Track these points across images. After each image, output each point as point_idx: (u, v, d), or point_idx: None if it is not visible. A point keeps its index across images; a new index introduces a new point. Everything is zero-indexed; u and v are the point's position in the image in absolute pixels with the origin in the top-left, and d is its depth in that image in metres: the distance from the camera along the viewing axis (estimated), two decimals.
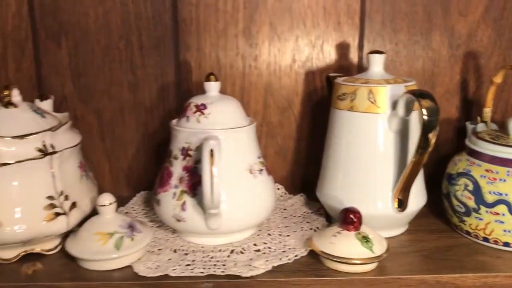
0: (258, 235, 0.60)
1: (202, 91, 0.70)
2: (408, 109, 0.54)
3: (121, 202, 0.67)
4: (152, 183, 0.73)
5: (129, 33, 0.68)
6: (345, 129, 0.58)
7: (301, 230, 0.61)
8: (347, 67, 0.71)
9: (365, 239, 0.52)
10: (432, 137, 0.52)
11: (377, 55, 0.59)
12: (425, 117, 0.51)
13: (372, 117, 0.56)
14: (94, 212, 0.57)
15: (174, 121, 0.59)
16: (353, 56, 0.71)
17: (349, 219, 0.52)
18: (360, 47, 0.70)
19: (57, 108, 0.66)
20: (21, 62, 0.69)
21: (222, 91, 0.69)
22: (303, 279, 0.51)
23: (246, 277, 0.51)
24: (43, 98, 0.63)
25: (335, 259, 0.51)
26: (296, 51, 0.70)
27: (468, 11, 0.70)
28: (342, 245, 0.52)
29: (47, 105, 0.63)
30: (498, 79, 0.63)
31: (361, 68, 0.71)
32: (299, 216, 0.66)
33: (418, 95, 0.51)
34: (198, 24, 0.69)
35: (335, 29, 0.69)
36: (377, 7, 0.69)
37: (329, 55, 0.70)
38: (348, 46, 0.70)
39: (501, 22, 0.70)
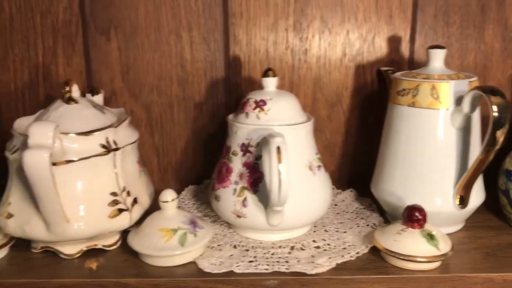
0: (314, 231, 0.60)
1: (250, 85, 0.71)
2: (473, 106, 0.53)
3: None
4: (200, 177, 0.74)
5: (179, 28, 0.68)
6: (405, 124, 0.57)
7: (357, 226, 0.61)
8: (398, 61, 0.70)
9: (431, 237, 0.52)
10: (501, 134, 0.51)
11: (438, 50, 0.58)
12: (495, 114, 0.50)
13: (434, 113, 0.55)
14: (151, 208, 0.57)
15: (231, 117, 0.59)
16: (405, 49, 0.70)
17: (415, 216, 0.52)
18: (412, 40, 0.69)
19: (106, 103, 0.66)
20: (71, 56, 0.69)
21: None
22: (368, 277, 0.51)
23: (312, 275, 0.50)
24: (94, 92, 0.64)
25: (401, 257, 0.51)
26: (347, 45, 0.69)
27: None
28: (407, 242, 0.51)
29: (98, 99, 0.63)
30: None
31: (412, 62, 0.70)
32: (352, 212, 0.65)
33: (488, 91, 0.50)
34: (249, 18, 0.68)
35: (387, 22, 0.69)
36: (430, 0, 0.68)
37: (380, 49, 0.69)
38: (399, 40, 0.69)
39: None
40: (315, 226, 0.61)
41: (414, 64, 0.70)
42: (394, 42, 0.69)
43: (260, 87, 0.70)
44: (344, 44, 0.69)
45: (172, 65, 0.69)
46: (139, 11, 0.67)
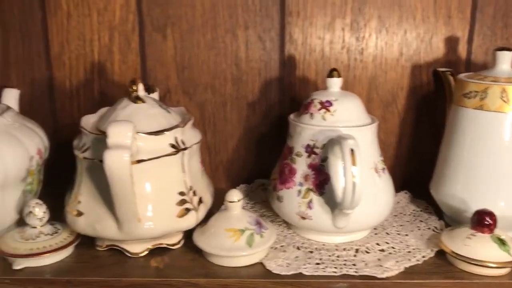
0: (375, 234, 0.59)
1: (305, 85, 0.70)
2: None
3: (220, 194, 0.67)
4: (251, 176, 0.74)
5: (236, 27, 0.68)
6: (471, 127, 0.56)
7: (418, 229, 0.61)
8: (455, 62, 0.69)
9: (502, 242, 0.51)
10: None
11: (506, 52, 0.57)
12: None
13: (503, 117, 0.54)
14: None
15: (293, 117, 0.59)
16: (462, 51, 0.69)
17: (485, 221, 0.51)
18: (470, 41, 0.68)
19: (160, 101, 0.66)
20: (127, 54, 0.69)
21: (325, 85, 0.69)
22: (439, 281, 0.50)
23: (381, 278, 0.50)
24: (150, 90, 0.64)
25: (471, 262, 0.50)
26: (404, 45, 0.68)
27: None
28: (478, 247, 0.51)
29: (153, 97, 0.63)
30: None
31: (469, 63, 0.69)
32: (409, 215, 0.65)
33: None
34: (305, 16, 0.68)
35: (445, 23, 0.68)
36: (489, 0, 0.67)
37: (437, 49, 0.69)
38: (457, 41, 0.68)
39: None
40: (375, 229, 0.60)
41: (471, 66, 0.69)
42: (451, 42, 0.68)
43: (315, 86, 0.70)
44: (401, 44, 0.68)
45: (227, 64, 0.69)
46: (196, 9, 0.67)
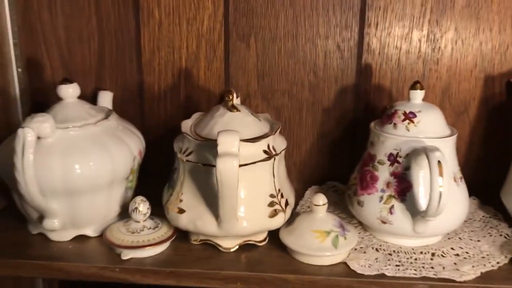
0: (449, 238, 0.63)
1: (380, 92, 0.74)
2: None
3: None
4: (324, 178, 0.78)
5: (315, 37, 0.71)
6: None
7: (490, 235, 0.63)
8: None
9: None
10: None
11: None
12: None
13: None
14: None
15: (375, 126, 0.62)
16: None
17: None
18: None
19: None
20: (212, 61, 0.74)
21: (400, 92, 0.72)
22: None
23: (460, 282, 0.54)
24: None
25: None
26: (478, 56, 0.71)
27: None
28: None
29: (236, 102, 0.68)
30: None
31: None
32: (479, 221, 0.68)
33: None
34: (384, 28, 0.71)
35: None
36: None
37: (510, 61, 0.70)
38: None
39: None
40: (448, 233, 0.64)
41: None
42: None
43: (389, 94, 0.73)
44: (475, 56, 0.71)
45: (305, 71, 0.73)
46: (279, 20, 0.71)
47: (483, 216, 0.69)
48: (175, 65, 0.74)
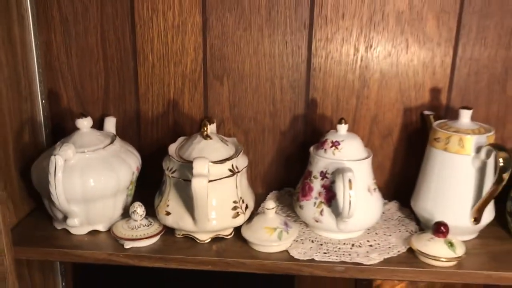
0: (368, 233, 0.84)
1: (323, 120, 0.95)
2: (488, 155, 0.76)
3: (258, 197, 0.92)
4: (281, 185, 0.99)
5: (273, 77, 0.92)
6: (439, 163, 0.80)
7: (399, 231, 0.85)
8: (437, 106, 0.92)
9: (451, 244, 0.75)
10: (506, 176, 0.73)
11: (466, 110, 0.80)
12: (501, 164, 0.72)
13: (460, 158, 0.78)
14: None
15: (313, 150, 0.83)
16: (443, 99, 0.91)
17: (441, 230, 0.75)
18: (449, 91, 0.91)
19: (219, 129, 0.92)
20: (194, 94, 0.94)
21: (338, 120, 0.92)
22: (406, 269, 0.75)
23: (367, 265, 0.75)
24: (210, 121, 0.89)
25: (429, 257, 0.74)
26: (399, 93, 0.92)
27: None
28: (434, 247, 0.75)
29: (213, 127, 0.89)
30: None
31: (448, 109, 0.91)
32: (395, 220, 0.89)
33: (497, 148, 0.73)
34: (325, 71, 0.91)
35: (430, 78, 0.90)
36: (466, 62, 0.89)
37: (425, 97, 0.91)
38: (440, 91, 0.91)
39: None
40: (368, 229, 0.85)
41: (448, 112, 0.91)
42: (435, 92, 0.91)
43: (330, 121, 0.94)
44: (396, 92, 0.92)
45: (267, 103, 0.94)
46: (245, 64, 0.92)
47: (399, 216, 0.90)
48: (165, 97, 0.95)
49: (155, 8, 0.89)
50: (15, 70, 0.84)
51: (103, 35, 0.92)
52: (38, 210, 0.89)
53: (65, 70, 0.94)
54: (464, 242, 0.79)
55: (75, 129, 0.83)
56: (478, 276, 0.75)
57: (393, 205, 0.94)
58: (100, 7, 0.90)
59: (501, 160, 0.72)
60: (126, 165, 0.81)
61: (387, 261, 0.76)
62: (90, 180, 0.77)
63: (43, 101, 0.93)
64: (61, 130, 0.97)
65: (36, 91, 0.91)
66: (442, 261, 0.74)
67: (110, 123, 0.93)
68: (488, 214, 0.81)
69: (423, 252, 0.75)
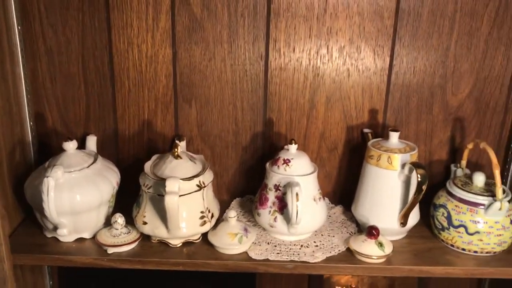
0: (315, 235, 1.00)
1: (278, 136, 1.09)
2: (410, 171, 0.92)
3: (223, 203, 1.06)
4: (243, 192, 1.14)
5: (235, 100, 1.06)
6: (372, 177, 0.96)
7: (342, 233, 1.01)
8: (376, 125, 1.07)
9: (380, 244, 0.91)
10: (424, 187, 0.89)
11: (395, 132, 0.96)
12: (419, 179, 0.88)
13: (389, 173, 0.94)
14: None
15: (268, 166, 0.97)
16: (380, 119, 1.07)
17: (372, 232, 0.91)
18: (385, 113, 1.07)
19: (187, 145, 1.06)
20: (166, 115, 1.07)
21: (292, 136, 1.07)
22: (344, 265, 0.91)
23: (312, 263, 0.90)
24: (180, 139, 1.03)
25: (363, 255, 0.90)
26: (342, 113, 1.07)
27: (458, 92, 1.05)
28: (367, 247, 0.91)
29: (183, 144, 1.03)
30: (470, 146, 1.00)
31: (384, 126, 1.07)
32: (339, 222, 1.05)
33: (416, 166, 0.89)
34: (280, 95, 1.06)
35: (369, 101, 1.06)
36: (398, 88, 1.05)
37: (365, 117, 1.07)
38: (377, 112, 1.07)
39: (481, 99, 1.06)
40: (315, 231, 1.00)
41: (385, 126, 1.07)
42: (373, 113, 1.07)
43: (285, 137, 1.09)
44: (340, 113, 1.07)
45: (230, 123, 1.08)
46: (210, 89, 1.05)
47: (343, 219, 1.06)
48: (140, 118, 1.08)
49: (131, 41, 1.02)
50: (7, 100, 0.95)
51: (84, 64, 1.04)
52: (28, 220, 1.01)
53: (50, 95, 1.06)
54: (394, 241, 0.96)
55: (61, 149, 0.95)
56: (402, 270, 0.91)
57: (338, 209, 1.10)
58: (82, 40, 1.02)
59: (419, 176, 0.89)
60: (107, 181, 0.94)
61: (329, 259, 0.92)
62: (77, 196, 0.90)
63: (31, 123, 1.05)
64: (47, 148, 1.08)
65: (24, 114, 1.03)
66: (373, 258, 0.90)
67: (92, 141, 1.05)
68: (414, 218, 0.97)
69: (358, 252, 0.91)
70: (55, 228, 0.92)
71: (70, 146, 0.94)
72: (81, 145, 1.02)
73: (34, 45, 1.02)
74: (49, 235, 0.96)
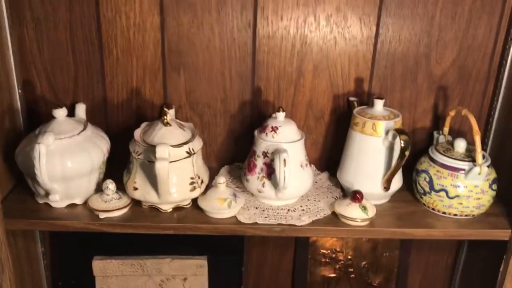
0: (302, 200, 1.03)
1: (266, 105, 1.11)
2: (394, 136, 0.94)
3: (212, 171, 1.08)
4: (232, 160, 1.16)
5: (224, 69, 1.07)
6: (357, 143, 0.99)
7: (327, 197, 1.04)
8: (361, 92, 1.10)
9: (364, 208, 0.95)
10: (407, 153, 0.92)
11: (379, 100, 0.98)
12: (402, 144, 0.91)
13: (374, 139, 0.96)
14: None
15: (257, 133, 0.99)
16: (366, 87, 1.09)
17: (356, 197, 0.95)
18: (370, 81, 1.09)
19: (176, 113, 1.08)
20: (154, 84, 1.08)
21: (279, 104, 1.09)
22: (329, 228, 0.94)
23: (299, 226, 0.94)
24: (169, 107, 1.05)
25: (347, 218, 0.94)
26: (329, 81, 1.09)
27: (442, 61, 1.07)
28: (351, 210, 0.94)
29: (172, 112, 1.04)
30: (452, 113, 1.03)
31: (369, 95, 1.09)
32: (325, 188, 1.08)
33: (399, 132, 0.92)
34: (268, 64, 1.07)
35: (355, 70, 1.08)
36: (384, 56, 1.07)
37: (351, 85, 1.09)
38: (362, 80, 1.09)
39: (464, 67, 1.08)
40: (302, 196, 1.03)
41: (371, 95, 1.09)
42: (359, 82, 1.09)
43: (272, 105, 1.11)
44: (327, 82, 1.09)
45: (218, 91, 1.09)
46: (199, 58, 1.06)
47: (328, 185, 1.09)
48: (128, 85, 1.08)
49: (118, 9, 1.02)
50: None
51: (71, 32, 1.03)
52: (19, 187, 1.03)
53: (37, 62, 1.06)
54: (377, 206, 0.99)
55: (50, 116, 0.96)
56: (385, 232, 0.95)
57: (324, 176, 1.13)
58: (69, 8, 1.01)
59: (402, 141, 0.91)
60: (97, 148, 0.96)
61: (315, 222, 0.95)
62: (68, 162, 0.91)
63: (20, 91, 1.05)
64: (36, 115, 1.09)
65: (13, 82, 1.03)
66: (357, 221, 0.94)
67: (81, 109, 1.06)
68: (397, 183, 1.01)
69: (343, 215, 0.95)
70: (47, 194, 0.93)
71: (60, 113, 0.95)
72: (70, 113, 1.03)
73: (20, 13, 1.01)
74: (40, 201, 0.98)
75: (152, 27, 1.04)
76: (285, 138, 0.96)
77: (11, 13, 1.01)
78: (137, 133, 0.97)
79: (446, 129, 1.06)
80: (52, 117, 0.95)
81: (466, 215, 0.97)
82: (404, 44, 1.06)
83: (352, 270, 1.24)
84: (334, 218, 0.97)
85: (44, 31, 1.03)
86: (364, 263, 1.23)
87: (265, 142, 0.97)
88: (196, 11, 1.03)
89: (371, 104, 1.02)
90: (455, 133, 1.12)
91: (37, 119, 1.09)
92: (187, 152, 0.93)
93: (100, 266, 1.15)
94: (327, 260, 1.23)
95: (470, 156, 0.97)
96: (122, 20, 1.03)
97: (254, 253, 1.26)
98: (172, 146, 0.90)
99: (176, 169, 0.92)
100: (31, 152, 0.87)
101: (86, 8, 1.01)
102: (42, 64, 1.06)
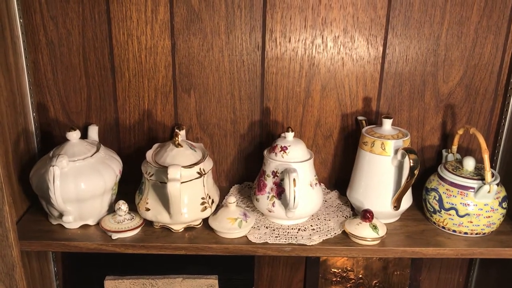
0: (312, 219, 1.03)
1: (275, 125, 1.12)
2: (403, 156, 0.95)
3: (222, 190, 1.10)
4: (242, 180, 1.17)
5: (233, 90, 1.09)
6: (366, 162, 0.99)
7: (337, 216, 1.04)
8: (369, 112, 1.11)
9: (374, 227, 0.95)
10: (416, 172, 0.93)
11: (388, 119, 0.99)
12: (411, 164, 0.92)
13: (383, 158, 0.97)
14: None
15: (266, 153, 1.01)
16: (374, 106, 1.10)
17: (367, 216, 0.95)
18: (378, 100, 1.10)
19: (186, 134, 1.09)
20: (166, 105, 1.10)
21: (288, 124, 1.10)
22: (340, 247, 0.95)
23: (309, 245, 0.94)
24: (180, 128, 1.06)
25: (358, 238, 0.94)
26: (337, 101, 1.10)
27: (449, 79, 1.08)
28: (362, 230, 0.95)
29: (183, 133, 1.06)
30: (461, 131, 1.03)
31: (378, 113, 1.11)
32: (335, 207, 1.09)
33: (408, 151, 0.92)
34: (276, 85, 1.09)
35: (363, 89, 1.09)
36: (391, 76, 1.08)
37: (359, 106, 1.10)
38: (371, 100, 1.10)
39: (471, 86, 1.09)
40: (312, 216, 1.04)
41: (379, 114, 1.10)
42: (366, 101, 1.10)
43: (281, 126, 1.12)
44: (335, 102, 1.10)
45: (228, 111, 1.11)
46: (209, 80, 1.08)
47: (338, 203, 1.10)
48: (140, 107, 1.11)
49: (130, 33, 1.04)
50: (11, 91, 0.98)
51: (84, 56, 1.06)
52: (33, 208, 1.05)
53: (52, 86, 1.08)
54: (387, 224, 1.00)
55: (64, 138, 0.98)
56: (395, 252, 0.95)
57: (333, 194, 1.14)
58: (82, 32, 1.04)
59: (411, 161, 0.92)
60: (110, 169, 0.97)
61: (325, 242, 0.96)
62: (82, 184, 0.93)
63: (34, 114, 1.07)
64: (50, 137, 1.11)
65: (28, 105, 1.05)
66: (368, 240, 0.94)
67: (94, 131, 1.08)
68: (407, 201, 1.01)
69: (353, 234, 0.95)
70: (61, 215, 0.95)
71: (74, 135, 0.97)
72: (83, 135, 1.05)
73: (35, 37, 1.05)
74: (54, 222, 0.99)
75: (164, 50, 1.06)
76: (294, 158, 0.97)
77: (26, 38, 1.04)
78: (149, 154, 0.98)
79: (454, 148, 1.07)
80: (66, 140, 0.98)
81: (476, 234, 0.97)
82: (411, 64, 1.07)
83: None
84: (345, 237, 0.97)
85: (58, 55, 1.06)
86: (375, 281, 1.23)
87: (274, 162, 0.98)
88: (206, 34, 1.05)
89: (379, 123, 1.03)
90: (464, 151, 1.13)
91: (50, 141, 1.11)
92: (198, 173, 0.94)
93: (112, 285, 1.16)
94: (338, 279, 1.22)
95: (479, 174, 0.97)
96: (134, 44, 1.05)
97: (265, 272, 1.27)
98: (183, 167, 0.92)
99: (187, 190, 0.93)
100: (46, 174, 0.89)
101: (99, 32, 1.04)
102: (55, 88, 1.09)
